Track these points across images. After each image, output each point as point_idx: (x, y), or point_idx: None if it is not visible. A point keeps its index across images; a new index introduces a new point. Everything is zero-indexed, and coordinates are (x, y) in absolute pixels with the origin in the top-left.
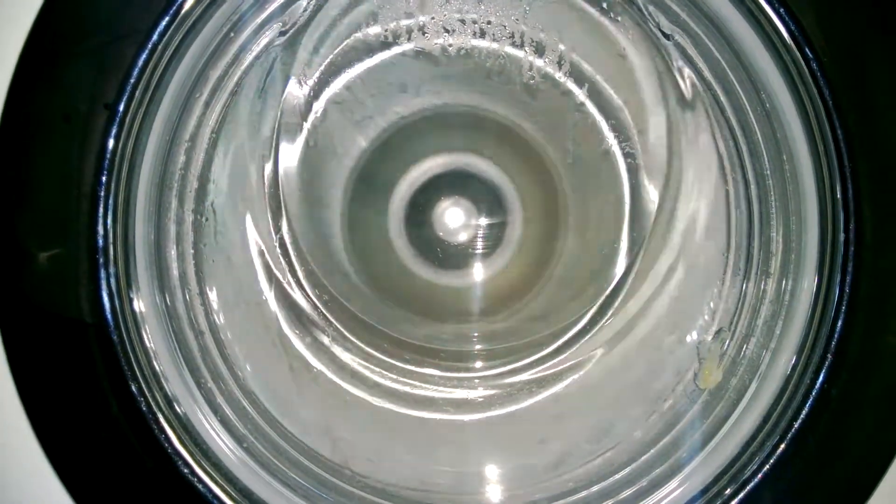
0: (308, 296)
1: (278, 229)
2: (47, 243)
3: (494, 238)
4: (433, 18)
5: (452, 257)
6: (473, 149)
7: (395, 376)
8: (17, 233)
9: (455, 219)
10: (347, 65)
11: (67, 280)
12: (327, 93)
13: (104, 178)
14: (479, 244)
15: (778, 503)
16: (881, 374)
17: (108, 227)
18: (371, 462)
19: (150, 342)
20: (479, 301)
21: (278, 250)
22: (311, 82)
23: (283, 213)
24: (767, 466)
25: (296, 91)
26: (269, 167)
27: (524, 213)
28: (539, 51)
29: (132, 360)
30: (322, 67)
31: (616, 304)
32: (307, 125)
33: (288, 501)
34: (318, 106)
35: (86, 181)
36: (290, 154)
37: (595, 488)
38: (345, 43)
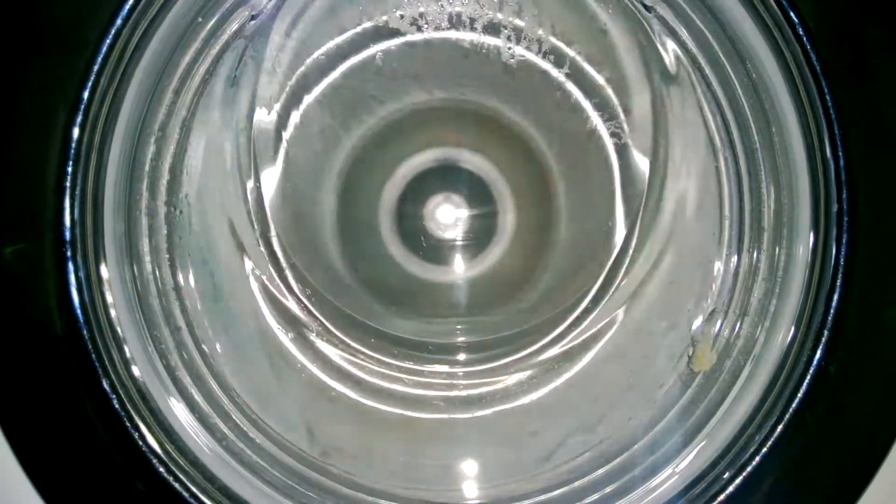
0: (292, 290)
1: (259, 221)
2: (12, 238)
3: (486, 230)
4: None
5: (444, 252)
6: (460, 140)
7: (382, 371)
8: None
9: (445, 213)
10: (323, 54)
11: (34, 275)
12: (304, 85)
13: (70, 169)
14: (471, 237)
15: (778, 486)
16: (880, 349)
17: (76, 219)
18: (356, 459)
19: (122, 337)
20: (472, 295)
21: (260, 243)
22: (285, 72)
23: (265, 206)
24: (766, 448)
25: (270, 82)
26: (246, 159)
27: (515, 202)
28: (517, 30)
29: (104, 357)
30: (295, 56)
31: (609, 291)
32: (284, 116)
33: (269, 499)
34: (294, 98)
35: (51, 172)
36: (268, 146)
37: (589, 478)
38: (318, 29)
